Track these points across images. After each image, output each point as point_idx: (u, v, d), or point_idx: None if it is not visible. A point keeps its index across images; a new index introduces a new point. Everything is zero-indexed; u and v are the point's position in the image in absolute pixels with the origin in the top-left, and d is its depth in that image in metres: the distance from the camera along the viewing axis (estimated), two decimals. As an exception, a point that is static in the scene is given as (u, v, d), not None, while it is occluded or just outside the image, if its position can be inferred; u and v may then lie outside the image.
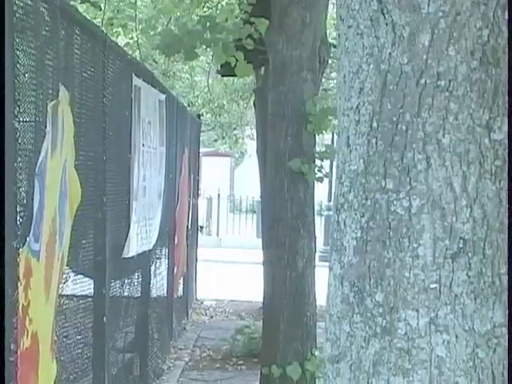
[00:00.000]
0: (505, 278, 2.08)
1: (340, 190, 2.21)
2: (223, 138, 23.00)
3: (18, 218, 3.52)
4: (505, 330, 2.08)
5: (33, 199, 3.65)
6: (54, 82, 4.07)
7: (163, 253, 8.97)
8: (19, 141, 3.54)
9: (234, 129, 22.15)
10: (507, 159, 2.08)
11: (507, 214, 2.08)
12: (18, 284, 3.42)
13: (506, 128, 2.08)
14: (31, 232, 3.60)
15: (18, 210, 3.52)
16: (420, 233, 2.07)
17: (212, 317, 12.14)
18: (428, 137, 2.08)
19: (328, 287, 2.26)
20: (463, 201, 2.07)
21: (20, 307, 3.45)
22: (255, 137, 12.03)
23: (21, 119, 3.59)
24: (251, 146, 21.38)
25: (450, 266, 2.06)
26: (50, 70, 4.04)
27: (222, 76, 10.96)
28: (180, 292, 10.71)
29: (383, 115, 2.11)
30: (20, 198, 3.58)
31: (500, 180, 2.08)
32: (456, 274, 2.06)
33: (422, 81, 2.08)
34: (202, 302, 13.15)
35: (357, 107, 2.17)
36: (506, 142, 2.08)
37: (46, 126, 3.84)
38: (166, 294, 9.16)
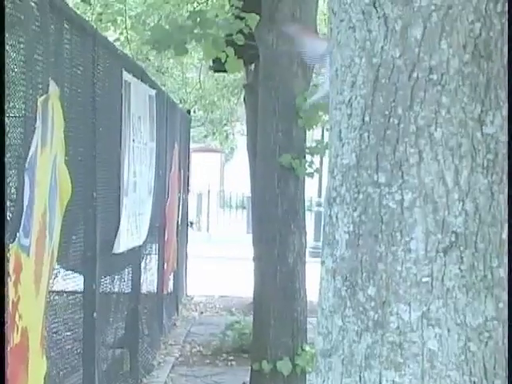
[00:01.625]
0: (497, 272, 2.08)
1: (332, 184, 2.20)
2: (214, 133, 23.00)
3: (8, 213, 3.50)
4: (496, 324, 2.08)
5: (23, 194, 3.64)
6: (43, 77, 4.05)
7: (153, 248, 8.96)
8: (9, 136, 3.52)
9: (225, 125, 22.15)
10: (507, 153, 2.08)
11: (502, 209, 2.08)
12: (8, 279, 3.41)
13: (498, 121, 2.08)
14: (21, 227, 3.58)
15: (7, 205, 3.50)
16: (412, 227, 2.07)
17: (202, 312, 12.14)
18: (420, 130, 2.07)
19: (320, 281, 2.25)
20: (455, 194, 2.07)
21: (10, 302, 3.43)
22: (245, 132, 12.02)
23: (10, 114, 3.57)
24: (241, 141, 21.39)
25: (442, 260, 2.06)
26: (39, 65, 4.02)
27: (215, 72, 10.96)
28: (170, 288, 10.70)
29: (375, 109, 2.11)
30: (10, 193, 3.57)
31: (492, 174, 2.08)
32: (448, 267, 2.06)
33: (414, 74, 2.08)
34: (192, 298, 13.14)
35: (349, 101, 2.16)
36: (499, 135, 2.08)
37: (35, 121, 3.82)
38: (156, 290, 9.16)
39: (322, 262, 2.25)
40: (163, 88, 10.95)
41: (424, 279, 2.06)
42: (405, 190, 2.08)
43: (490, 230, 2.08)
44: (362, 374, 2.11)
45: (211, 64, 9.38)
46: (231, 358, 8.94)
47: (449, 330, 2.06)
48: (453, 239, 2.06)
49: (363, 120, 2.13)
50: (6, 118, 3.44)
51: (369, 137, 2.12)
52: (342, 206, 2.16)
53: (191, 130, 14.47)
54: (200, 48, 10.11)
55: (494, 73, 2.08)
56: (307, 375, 5.80)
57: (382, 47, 2.11)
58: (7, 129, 3.48)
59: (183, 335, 10.27)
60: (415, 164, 2.08)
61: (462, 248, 2.06)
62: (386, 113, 2.10)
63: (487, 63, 2.08)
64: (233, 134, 24.47)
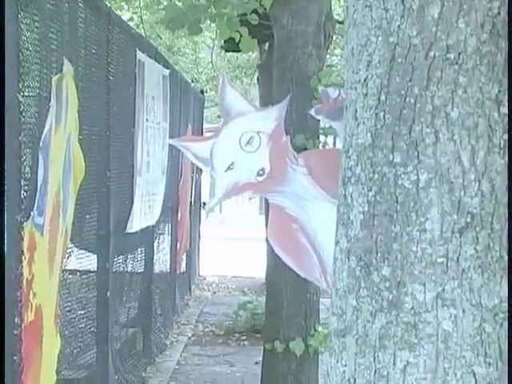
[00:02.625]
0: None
1: (347, 164, 2.19)
2: (227, 114, 22.94)
3: (22, 191, 3.51)
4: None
5: (37, 173, 3.64)
6: (58, 56, 4.04)
7: (166, 228, 8.97)
8: (23, 114, 3.52)
9: (238, 105, 22.07)
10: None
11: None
12: (22, 258, 3.42)
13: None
14: (35, 206, 3.59)
15: (22, 183, 3.50)
16: (428, 207, 2.06)
17: (215, 292, 12.16)
18: (436, 110, 2.06)
19: (334, 261, 2.25)
20: (471, 175, 2.06)
21: (24, 281, 3.44)
22: (259, 113, 11.99)
23: (25, 93, 3.57)
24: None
25: (457, 241, 2.05)
26: (54, 44, 4.02)
27: (226, 51, 10.91)
28: (183, 268, 10.72)
29: (391, 88, 2.10)
30: (24, 172, 3.57)
31: (509, 154, 2.06)
32: (463, 248, 2.05)
33: (431, 54, 2.06)
34: (204, 278, 13.17)
35: (365, 80, 2.15)
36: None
37: (50, 100, 3.82)
38: (169, 270, 9.17)
39: (337, 242, 2.24)
40: (176, 67, 10.92)
41: (439, 259, 2.06)
42: (420, 170, 2.07)
43: (507, 211, 2.06)
44: (376, 355, 2.11)
45: (223, 44, 9.33)
46: (243, 337, 8.97)
47: (464, 311, 2.05)
48: (468, 220, 2.06)
49: (379, 99, 2.12)
50: (20, 97, 3.44)
51: (384, 116, 2.11)
52: (357, 185, 2.15)
53: (205, 110, 14.45)
54: (212, 27, 10.08)
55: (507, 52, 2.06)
56: (320, 356, 5.80)
57: (399, 26, 2.09)
58: (21, 107, 3.48)
59: (196, 315, 10.30)
60: (431, 144, 2.06)
61: (477, 228, 2.05)
62: (403, 92, 2.08)
63: (505, 42, 2.06)
64: (246, 115, 24.39)
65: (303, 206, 3.12)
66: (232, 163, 3.14)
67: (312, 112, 3.20)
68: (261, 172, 3.13)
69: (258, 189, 3.13)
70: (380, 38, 2.11)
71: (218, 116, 26.04)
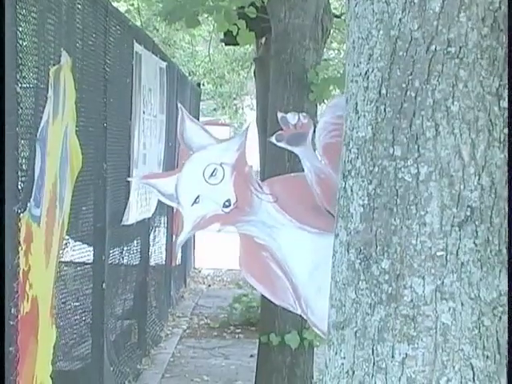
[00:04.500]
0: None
1: (347, 157, 2.20)
2: (223, 107, 22.92)
3: (19, 183, 3.51)
4: (511, 299, 2.08)
5: (34, 164, 3.63)
6: (55, 47, 4.03)
7: (162, 221, 8.97)
8: (21, 106, 3.51)
9: (234, 99, 22.07)
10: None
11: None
12: (19, 249, 3.42)
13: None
14: (32, 197, 3.58)
15: (19, 174, 3.50)
16: (427, 200, 2.07)
17: (210, 285, 12.17)
18: (437, 104, 2.06)
19: (333, 254, 2.25)
20: (471, 169, 2.06)
21: (21, 272, 3.44)
22: (255, 107, 11.99)
23: (22, 84, 3.56)
24: (250, 116, 21.32)
25: (456, 234, 2.06)
26: (51, 35, 4.01)
27: (226, 45, 10.89)
28: (178, 260, 10.72)
29: (392, 82, 2.10)
30: (21, 163, 3.57)
31: (509, 148, 2.07)
32: (463, 241, 2.06)
33: (432, 47, 2.07)
34: (199, 271, 13.17)
35: (366, 73, 2.15)
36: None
37: (47, 92, 3.81)
38: (164, 262, 9.17)
39: (336, 235, 2.24)
40: (172, 60, 10.91)
41: (438, 253, 2.06)
42: (421, 163, 2.07)
43: (506, 205, 2.07)
44: (374, 347, 2.11)
45: (222, 37, 9.32)
46: (238, 330, 8.97)
47: (462, 304, 2.06)
48: (468, 213, 2.06)
49: (380, 93, 2.12)
50: (18, 88, 3.43)
51: (385, 110, 2.11)
52: (357, 178, 2.16)
53: (201, 103, 14.43)
54: (210, 20, 10.07)
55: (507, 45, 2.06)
56: (315, 349, 5.81)
57: (400, 19, 2.09)
58: (19, 99, 3.47)
59: (191, 307, 10.30)
60: (431, 138, 2.07)
61: (477, 222, 2.06)
62: (403, 86, 2.09)
63: (506, 37, 2.06)
64: (242, 108, 24.39)
65: (271, 234, 3.16)
66: (198, 197, 3.17)
67: (273, 139, 3.21)
68: (227, 203, 3.16)
69: (226, 220, 3.17)
70: (381, 32, 2.12)
71: (215, 109, 26.03)
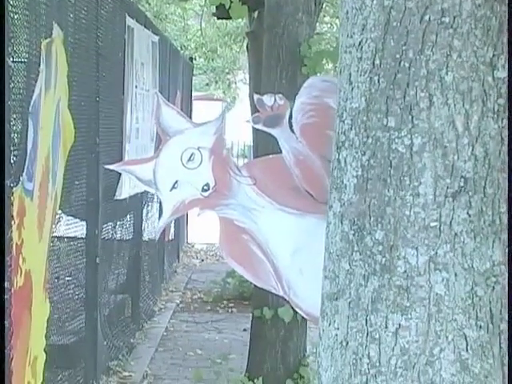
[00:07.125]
0: (505, 217, 2.07)
1: (341, 128, 2.19)
2: (216, 82, 22.85)
3: (12, 156, 3.49)
4: (504, 269, 2.08)
5: (26, 138, 3.62)
6: (47, 21, 4.01)
7: (155, 195, 8.95)
8: (12, 79, 3.49)
9: (227, 73, 22.00)
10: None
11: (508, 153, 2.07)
12: (12, 223, 3.41)
13: (510, 66, 2.06)
14: (25, 171, 3.57)
15: (11, 148, 3.48)
16: (421, 171, 2.06)
17: (203, 260, 12.18)
18: (431, 74, 2.06)
19: (327, 225, 2.25)
20: (465, 139, 2.06)
21: (14, 246, 3.43)
22: (248, 81, 11.95)
23: (14, 57, 3.54)
24: (243, 90, 21.25)
25: (450, 205, 2.06)
26: (43, 8, 3.98)
27: (218, 19, 10.84)
28: (171, 235, 10.73)
29: (386, 52, 2.09)
30: (13, 137, 3.55)
31: (502, 118, 2.06)
32: (456, 212, 2.06)
33: (426, 17, 2.06)
34: (193, 246, 13.19)
35: (359, 44, 2.14)
36: (511, 80, 2.06)
37: (39, 65, 3.79)
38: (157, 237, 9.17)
39: (330, 207, 2.24)
40: (164, 35, 10.85)
41: (432, 224, 2.06)
42: (414, 134, 2.07)
43: (500, 176, 2.07)
44: (368, 318, 2.12)
45: (214, 11, 9.28)
46: (231, 305, 9.00)
47: (456, 275, 2.06)
48: (462, 184, 2.06)
49: (373, 63, 2.11)
50: (10, 62, 3.41)
51: (379, 80, 2.10)
52: (351, 150, 2.15)
53: (193, 77, 14.38)
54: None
55: (506, 16, 2.05)
56: (308, 322, 5.83)
57: (394, -11, 2.08)
58: (11, 72, 3.45)
59: (184, 282, 10.32)
60: (425, 108, 2.06)
61: (470, 193, 2.06)
62: (397, 56, 2.08)
63: (500, 6, 2.05)
64: (235, 83, 24.31)
65: (251, 217, 3.16)
66: (176, 182, 3.17)
67: (250, 121, 3.20)
68: (206, 187, 3.15)
69: (205, 204, 3.17)
70: (375, 2, 2.10)
71: (207, 84, 25.94)
